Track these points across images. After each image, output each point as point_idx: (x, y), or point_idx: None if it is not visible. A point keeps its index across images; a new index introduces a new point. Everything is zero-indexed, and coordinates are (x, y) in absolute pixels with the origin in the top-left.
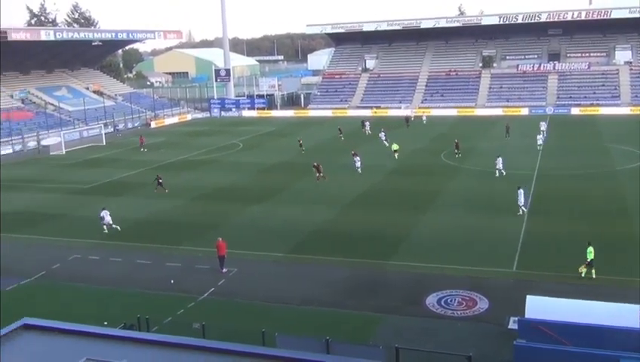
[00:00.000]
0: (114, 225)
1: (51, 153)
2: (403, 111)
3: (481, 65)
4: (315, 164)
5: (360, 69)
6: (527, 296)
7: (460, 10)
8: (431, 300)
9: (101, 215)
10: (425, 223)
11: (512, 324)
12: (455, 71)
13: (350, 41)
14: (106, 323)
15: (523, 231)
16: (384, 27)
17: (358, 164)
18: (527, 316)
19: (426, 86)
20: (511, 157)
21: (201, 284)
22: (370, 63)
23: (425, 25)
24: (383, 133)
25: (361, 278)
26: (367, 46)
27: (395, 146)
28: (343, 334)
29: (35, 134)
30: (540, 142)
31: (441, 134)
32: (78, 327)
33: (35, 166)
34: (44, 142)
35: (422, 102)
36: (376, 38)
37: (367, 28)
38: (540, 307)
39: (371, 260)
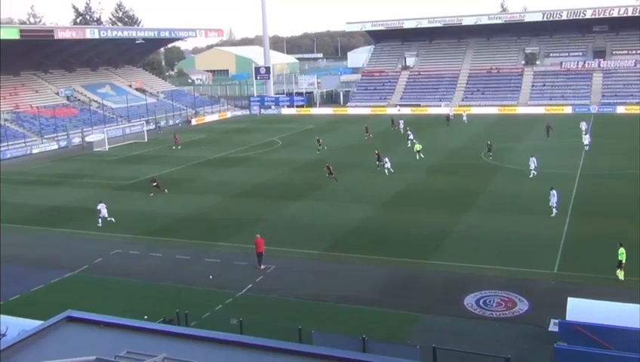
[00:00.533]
0: (109, 218)
1: (95, 149)
2: (443, 110)
3: (523, 62)
4: (327, 164)
5: (400, 66)
6: (569, 298)
7: (502, 7)
8: (469, 300)
9: (98, 208)
10: (464, 223)
11: (553, 326)
12: (497, 68)
13: (390, 38)
14: (145, 316)
15: (565, 232)
16: (425, 24)
17: (388, 165)
18: (568, 318)
19: (467, 84)
20: (553, 157)
21: (240, 280)
22: (410, 61)
23: (466, 22)
24: (410, 133)
25: (398, 277)
26: (407, 43)
27: (417, 146)
28: (380, 332)
29: (80, 131)
30: (586, 142)
31: (481, 133)
32: (119, 320)
33: (79, 162)
34: (88, 139)
35: (462, 100)
36: (416, 35)
37: (407, 25)
38: (582, 309)
39: (409, 259)
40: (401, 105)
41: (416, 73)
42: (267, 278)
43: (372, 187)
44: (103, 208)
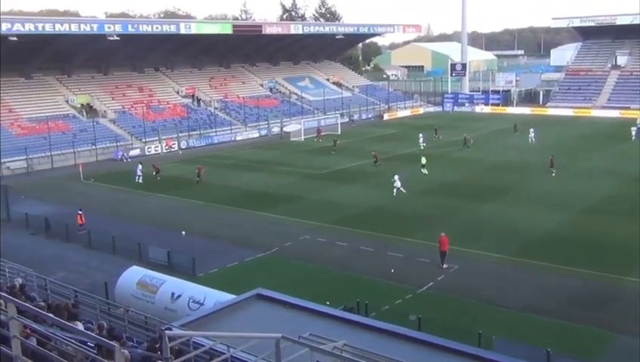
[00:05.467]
0: (140, 180)
1: (292, 139)
2: None
3: None
4: (199, 166)
5: (609, 65)
6: None
7: None
8: None
9: (137, 168)
10: None
11: None
12: None
13: (600, 35)
14: (328, 302)
15: None
16: None
17: (398, 183)
18: None
19: None
20: None
21: (421, 277)
22: (622, 60)
23: None
24: (421, 136)
25: (593, 291)
26: (619, 41)
27: (423, 160)
28: (567, 348)
29: (279, 121)
30: None
31: None
32: (303, 303)
33: (277, 150)
34: (286, 129)
35: None
36: (630, 32)
37: (621, 21)
38: None
39: (606, 273)
40: (608, 108)
41: (628, 73)
42: (449, 278)
43: (572, 191)
44: (138, 169)
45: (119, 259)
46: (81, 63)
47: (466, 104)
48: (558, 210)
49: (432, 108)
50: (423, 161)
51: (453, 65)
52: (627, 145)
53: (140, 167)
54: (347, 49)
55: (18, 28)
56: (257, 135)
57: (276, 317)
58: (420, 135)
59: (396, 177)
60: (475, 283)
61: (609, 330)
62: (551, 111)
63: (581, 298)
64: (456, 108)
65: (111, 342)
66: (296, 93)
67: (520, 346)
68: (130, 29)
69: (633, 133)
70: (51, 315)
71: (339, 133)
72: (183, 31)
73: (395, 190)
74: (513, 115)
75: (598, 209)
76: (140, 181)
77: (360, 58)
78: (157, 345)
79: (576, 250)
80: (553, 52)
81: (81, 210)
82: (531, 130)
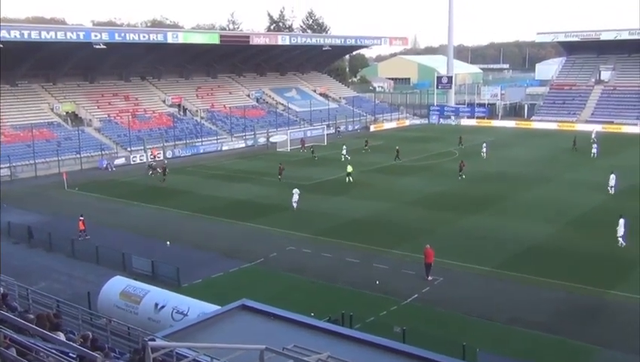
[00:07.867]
0: (154, 172)
1: (278, 149)
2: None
3: None
4: (157, 164)
5: (593, 80)
6: None
7: None
8: None
9: (150, 163)
10: None
11: None
12: None
13: (584, 50)
14: (312, 314)
15: None
16: (624, 36)
17: (295, 198)
18: None
19: None
20: None
21: (406, 289)
22: (606, 75)
23: None
24: (345, 149)
25: (578, 304)
26: (603, 56)
27: (349, 168)
28: (551, 361)
29: (265, 131)
30: None
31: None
32: (288, 314)
33: (263, 160)
34: (272, 139)
35: None
36: (614, 48)
37: (605, 37)
38: None
39: (592, 287)
40: (592, 122)
41: (612, 88)
42: (434, 290)
43: (560, 202)
44: (151, 161)
45: (103, 268)
46: (67, 71)
47: (452, 116)
48: (546, 222)
49: (417, 121)
50: (349, 169)
51: (439, 78)
52: (598, 159)
53: (152, 161)
54: (334, 60)
55: (4, 35)
56: (243, 145)
57: (261, 328)
58: (344, 146)
59: (296, 190)
60: (460, 296)
61: (593, 344)
62: (535, 125)
63: (566, 311)
64: (442, 120)
65: (93, 353)
66: (282, 104)
67: (504, 359)
68: (117, 38)
69: (594, 149)
70: (33, 325)
71: (325, 143)
72: (170, 40)
73: (294, 204)
74: (499, 127)
75: (583, 221)
76: (151, 175)
77: (347, 70)
78: (140, 356)
79: (562, 263)
80: (538, 66)
81: (82, 216)
82: (484, 144)
